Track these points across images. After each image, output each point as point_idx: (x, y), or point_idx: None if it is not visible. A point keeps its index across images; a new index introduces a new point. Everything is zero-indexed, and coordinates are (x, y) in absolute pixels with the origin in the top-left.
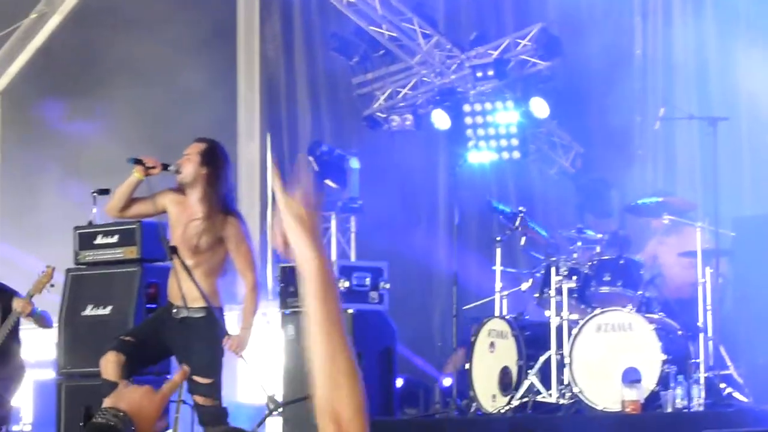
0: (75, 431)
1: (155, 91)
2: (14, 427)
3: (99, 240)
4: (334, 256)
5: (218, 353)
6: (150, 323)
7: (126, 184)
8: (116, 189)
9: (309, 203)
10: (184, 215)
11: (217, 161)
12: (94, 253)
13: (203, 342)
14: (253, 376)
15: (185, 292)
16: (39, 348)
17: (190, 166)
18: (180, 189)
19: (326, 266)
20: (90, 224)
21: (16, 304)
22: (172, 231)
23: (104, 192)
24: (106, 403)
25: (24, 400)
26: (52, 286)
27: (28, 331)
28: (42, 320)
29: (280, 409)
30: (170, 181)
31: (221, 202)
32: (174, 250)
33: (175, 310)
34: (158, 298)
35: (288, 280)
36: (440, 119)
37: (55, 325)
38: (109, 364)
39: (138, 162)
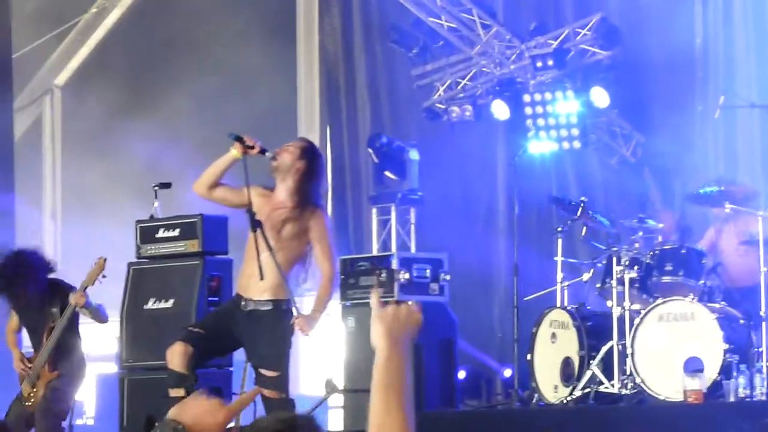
0: (137, 425)
1: (215, 83)
2: (77, 421)
3: (161, 234)
4: (394, 248)
5: (285, 346)
6: (218, 315)
7: (221, 160)
8: (210, 165)
9: (417, 318)
10: (269, 206)
11: (314, 158)
12: (156, 246)
13: (270, 335)
14: (315, 367)
15: (262, 262)
16: (101, 342)
17: (288, 156)
18: (267, 187)
19: (392, 362)
20: (151, 218)
21: (71, 298)
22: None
23: (165, 185)
24: (170, 413)
25: (87, 394)
26: (104, 277)
27: (90, 325)
28: (97, 313)
29: (340, 396)
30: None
31: (311, 196)
32: (259, 224)
33: (243, 303)
34: (220, 291)
35: (348, 272)
36: (500, 110)
37: (117, 318)
38: (177, 355)
39: (238, 139)
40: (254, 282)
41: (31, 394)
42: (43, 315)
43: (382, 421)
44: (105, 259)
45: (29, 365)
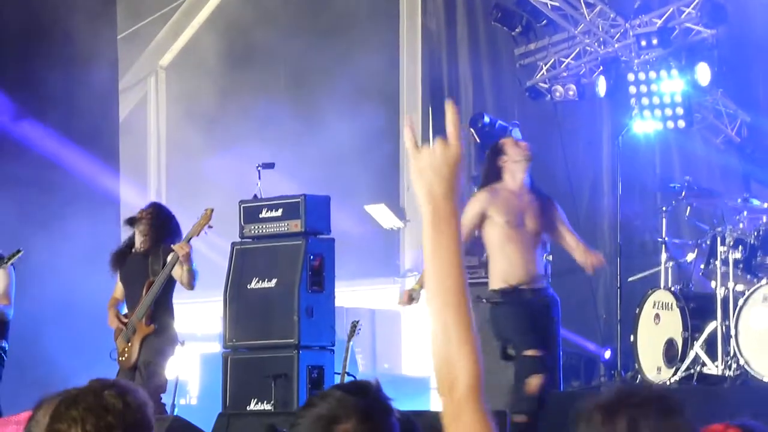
0: (241, 403)
1: (317, 62)
2: (181, 400)
3: (264, 214)
4: None
5: (555, 331)
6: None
7: None
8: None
9: (453, 153)
10: (515, 199)
11: None
12: (259, 226)
13: (542, 320)
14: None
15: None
16: (205, 322)
17: (510, 147)
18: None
19: (442, 212)
20: (255, 198)
21: (175, 247)
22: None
23: (268, 165)
24: None
25: (190, 373)
26: (210, 227)
27: (192, 305)
28: (190, 276)
29: None
30: None
31: None
32: None
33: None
34: (322, 271)
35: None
36: (604, 89)
37: (221, 298)
38: None
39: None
40: (529, 271)
41: (126, 349)
42: (144, 268)
43: (440, 329)
44: (212, 210)
45: (125, 320)
